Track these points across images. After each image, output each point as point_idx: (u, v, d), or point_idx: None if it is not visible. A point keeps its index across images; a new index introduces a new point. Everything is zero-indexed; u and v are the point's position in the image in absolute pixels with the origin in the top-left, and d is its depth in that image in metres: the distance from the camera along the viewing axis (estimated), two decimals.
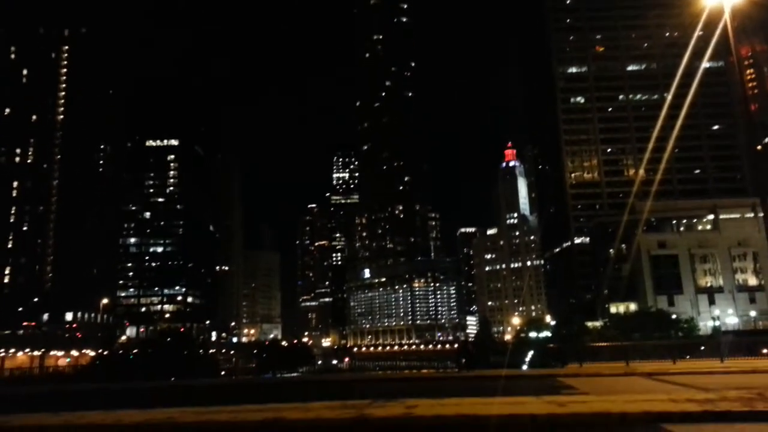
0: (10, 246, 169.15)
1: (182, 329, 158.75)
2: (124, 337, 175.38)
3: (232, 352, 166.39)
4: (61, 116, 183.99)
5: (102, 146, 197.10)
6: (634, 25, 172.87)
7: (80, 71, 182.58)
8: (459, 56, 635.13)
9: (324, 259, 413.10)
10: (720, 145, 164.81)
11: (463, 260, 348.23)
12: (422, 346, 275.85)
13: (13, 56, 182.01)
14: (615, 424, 13.98)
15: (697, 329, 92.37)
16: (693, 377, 25.33)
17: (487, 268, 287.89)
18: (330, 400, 18.31)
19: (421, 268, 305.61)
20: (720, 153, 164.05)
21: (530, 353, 53.79)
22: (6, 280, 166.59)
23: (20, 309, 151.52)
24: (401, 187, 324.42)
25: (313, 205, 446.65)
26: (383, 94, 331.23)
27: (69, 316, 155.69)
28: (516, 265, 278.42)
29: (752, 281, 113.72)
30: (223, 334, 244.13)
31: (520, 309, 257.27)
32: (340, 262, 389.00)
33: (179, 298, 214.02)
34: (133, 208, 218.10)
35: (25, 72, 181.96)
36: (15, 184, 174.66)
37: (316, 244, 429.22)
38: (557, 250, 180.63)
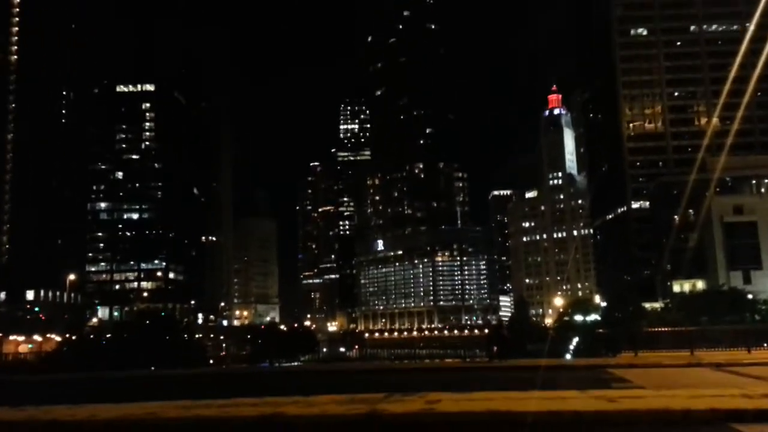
0: None
1: (163, 310, 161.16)
2: (95, 320, 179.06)
3: (221, 337, 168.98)
4: (15, 56, 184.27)
5: (64, 92, 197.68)
6: None
7: (37, 2, 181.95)
8: None
9: (329, 228, 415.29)
10: None
11: (496, 229, 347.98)
12: (446, 332, 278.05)
13: None
14: (676, 423, 14.05)
15: None
16: None
17: (524, 239, 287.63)
18: (337, 394, 18.58)
19: (445, 239, 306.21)
20: None
21: (575, 340, 53.94)
22: None
23: None
24: (422, 141, 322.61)
25: (317, 164, 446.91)
26: (400, 27, 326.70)
27: (30, 295, 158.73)
28: (560, 234, 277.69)
29: None
30: (212, 317, 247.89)
31: (564, 287, 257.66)
32: (348, 232, 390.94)
33: (159, 273, 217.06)
34: (103, 167, 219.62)
35: None
36: None
37: (320, 210, 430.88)
38: (610, 216, 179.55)
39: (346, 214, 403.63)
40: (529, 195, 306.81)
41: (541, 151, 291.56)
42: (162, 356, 53.16)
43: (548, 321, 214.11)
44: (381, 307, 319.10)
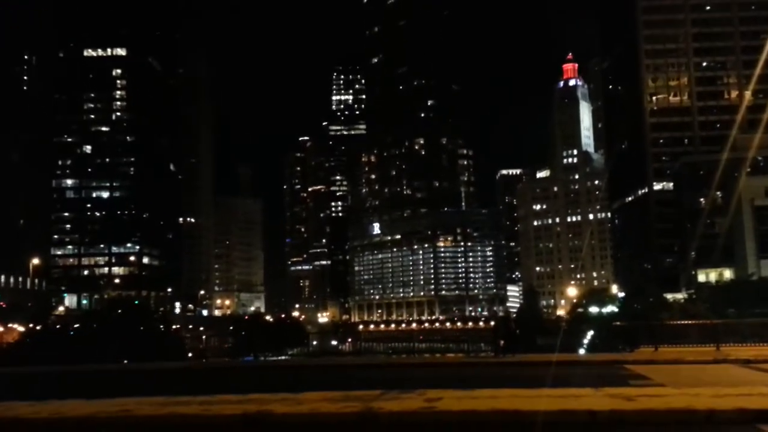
0: None
1: (136, 299, 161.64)
2: (61, 308, 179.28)
3: (201, 328, 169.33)
4: None
5: (26, 57, 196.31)
6: None
7: None
8: None
9: (320, 209, 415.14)
10: None
11: (504, 212, 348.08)
12: (448, 324, 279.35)
13: None
14: (699, 424, 14.15)
15: None
16: None
17: (535, 223, 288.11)
18: (328, 390, 18.68)
19: (447, 222, 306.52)
20: None
21: (590, 333, 54.35)
22: None
23: None
24: (422, 114, 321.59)
25: (306, 138, 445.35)
26: None
27: None
28: (574, 218, 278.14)
29: None
30: (190, 306, 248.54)
31: (578, 276, 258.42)
32: (341, 214, 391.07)
33: (132, 258, 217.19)
34: (69, 139, 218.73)
35: None
36: None
37: (310, 189, 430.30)
38: (629, 198, 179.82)
39: (338, 194, 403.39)
40: (540, 174, 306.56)
41: (555, 127, 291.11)
42: (135, 349, 53.29)
43: (560, 313, 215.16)
44: (377, 297, 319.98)
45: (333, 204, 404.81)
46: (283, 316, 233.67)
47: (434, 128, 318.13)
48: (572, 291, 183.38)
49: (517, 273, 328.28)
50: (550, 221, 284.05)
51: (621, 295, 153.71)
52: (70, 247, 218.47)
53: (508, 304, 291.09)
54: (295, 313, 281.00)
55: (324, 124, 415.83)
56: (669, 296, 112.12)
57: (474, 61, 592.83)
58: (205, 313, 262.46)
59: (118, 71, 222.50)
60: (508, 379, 24.70)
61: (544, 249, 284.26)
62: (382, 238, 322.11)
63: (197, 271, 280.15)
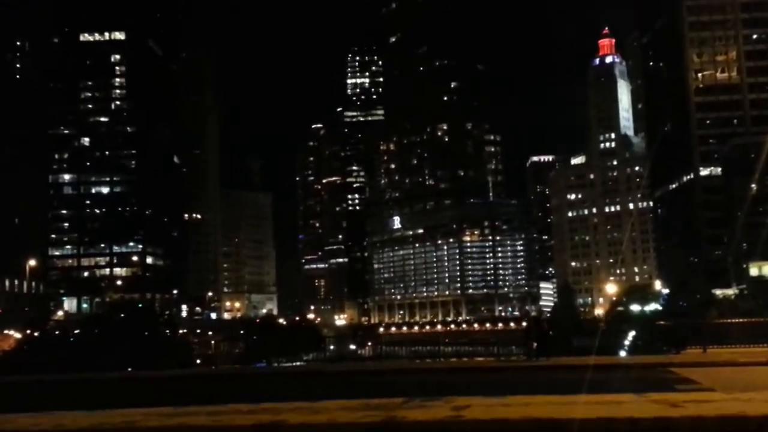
0: None
1: (140, 301, 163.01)
2: (60, 312, 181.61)
3: (210, 332, 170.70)
4: None
5: (18, 43, 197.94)
6: None
7: None
8: None
9: (336, 202, 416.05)
10: None
11: (536, 203, 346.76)
12: (476, 325, 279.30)
13: None
14: None
15: None
16: None
17: (570, 214, 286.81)
18: (347, 398, 18.74)
19: (474, 215, 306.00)
20: None
21: (631, 334, 54.09)
22: None
23: None
24: (445, 98, 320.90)
25: (319, 126, 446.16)
26: None
27: None
28: (612, 208, 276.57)
29: None
30: (197, 309, 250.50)
31: (618, 272, 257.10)
32: (358, 207, 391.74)
33: (135, 258, 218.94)
34: (66, 131, 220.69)
35: None
36: None
37: (324, 181, 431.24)
38: (673, 186, 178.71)
39: (355, 185, 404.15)
40: (575, 161, 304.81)
41: (590, 108, 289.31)
42: (140, 355, 53.85)
43: (599, 311, 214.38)
44: (398, 297, 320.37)
45: (349, 197, 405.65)
46: (297, 318, 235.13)
47: (458, 112, 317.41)
48: (611, 288, 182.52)
49: (550, 269, 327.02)
50: (586, 212, 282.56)
51: (665, 291, 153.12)
52: (68, 247, 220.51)
53: (541, 303, 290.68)
54: (311, 316, 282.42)
55: (338, 110, 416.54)
56: (718, 292, 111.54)
57: (501, 38, 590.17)
58: (213, 316, 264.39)
59: (117, 57, 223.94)
60: (541, 384, 24.68)
61: (580, 242, 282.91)
62: (403, 233, 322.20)
63: (204, 272, 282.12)
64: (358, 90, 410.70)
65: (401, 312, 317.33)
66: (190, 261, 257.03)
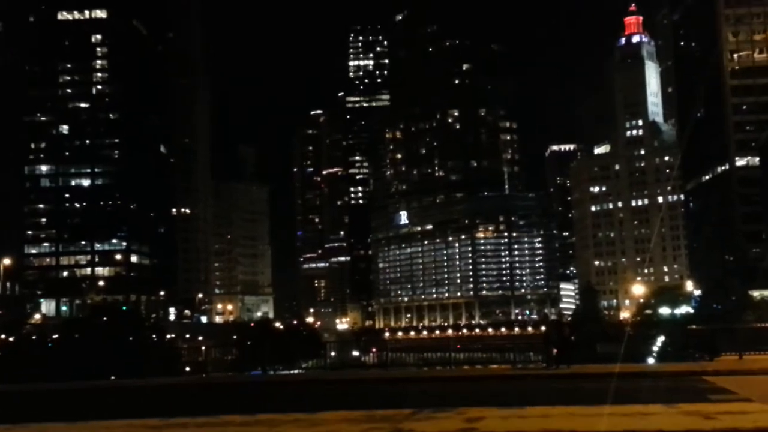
0: None
1: (124, 304, 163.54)
2: (37, 316, 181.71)
3: (200, 338, 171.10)
4: None
5: None
6: None
7: None
8: None
9: (337, 195, 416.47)
10: None
11: (556, 196, 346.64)
12: (490, 330, 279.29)
13: None
14: None
15: None
16: None
17: (593, 208, 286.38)
18: (350, 409, 18.79)
19: (488, 209, 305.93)
20: None
21: (661, 339, 54.02)
22: None
23: None
24: (456, 81, 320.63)
25: (319, 112, 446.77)
26: None
27: None
28: (640, 202, 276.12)
29: None
30: (186, 312, 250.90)
31: (646, 271, 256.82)
32: (361, 201, 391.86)
33: (118, 256, 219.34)
34: (43, 118, 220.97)
35: None
36: None
37: (325, 172, 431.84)
38: (707, 177, 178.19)
39: (358, 177, 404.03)
40: (598, 150, 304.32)
41: (615, 93, 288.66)
42: (124, 362, 54.03)
43: (625, 315, 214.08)
44: (405, 299, 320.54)
45: (352, 189, 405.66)
46: (295, 322, 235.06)
47: (471, 97, 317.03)
48: (638, 289, 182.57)
49: (571, 268, 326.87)
50: (610, 206, 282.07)
51: (697, 293, 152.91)
52: (46, 244, 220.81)
53: (562, 306, 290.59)
54: (310, 319, 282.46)
55: (340, 95, 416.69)
56: (755, 294, 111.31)
57: (518, 15, 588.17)
58: (204, 319, 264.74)
59: (98, 37, 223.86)
60: (562, 394, 24.69)
61: (604, 239, 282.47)
62: (411, 229, 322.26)
63: (194, 271, 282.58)
64: (361, 73, 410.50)
65: (408, 315, 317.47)
66: (179, 260, 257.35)
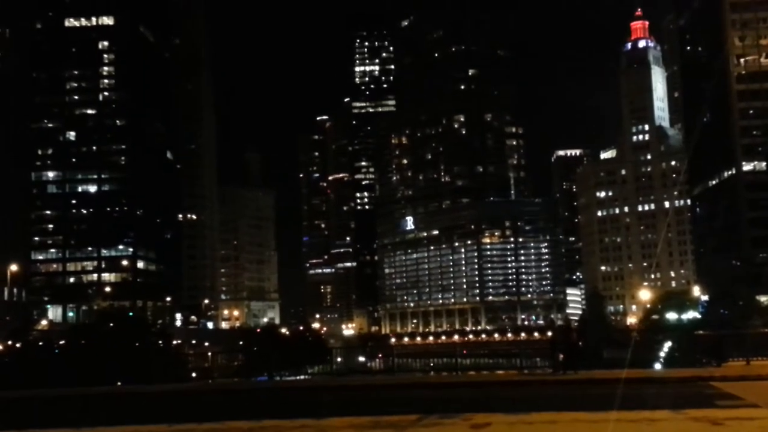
0: None
1: (131, 310, 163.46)
2: (44, 322, 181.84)
3: (206, 343, 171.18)
4: None
5: None
6: None
7: None
8: None
9: (343, 201, 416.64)
10: None
11: (562, 201, 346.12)
12: (497, 335, 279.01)
13: None
14: None
15: None
16: None
17: (599, 213, 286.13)
18: (356, 415, 18.79)
19: (494, 214, 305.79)
20: None
21: (667, 345, 53.95)
22: None
23: None
24: (462, 86, 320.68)
25: (325, 118, 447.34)
26: None
27: None
28: (646, 207, 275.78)
29: None
30: (193, 317, 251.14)
31: (652, 277, 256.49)
32: (367, 207, 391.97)
33: (125, 262, 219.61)
34: (50, 125, 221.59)
35: None
36: None
37: (331, 178, 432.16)
38: (713, 182, 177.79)
39: (364, 183, 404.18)
40: (604, 155, 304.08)
41: (621, 98, 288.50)
42: (131, 368, 54.10)
43: (631, 320, 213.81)
44: (411, 305, 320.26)
45: (358, 195, 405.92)
46: (301, 328, 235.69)
47: (477, 102, 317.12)
48: (645, 294, 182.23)
49: (578, 274, 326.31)
50: (617, 211, 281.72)
51: (704, 298, 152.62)
52: (53, 250, 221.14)
53: (568, 311, 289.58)
54: (316, 325, 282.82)
55: (346, 100, 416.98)
56: (763, 299, 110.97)
57: (523, 21, 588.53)
58: (210, 325, 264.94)
59: (105, 44, 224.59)
60: (568, 400, 24.65)
61: (611, 244, 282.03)
62: (417, 235, 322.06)
63: (200, 277, 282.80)
64: (366, 78, 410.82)
65: (415, 321, 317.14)
66: (185, 266, 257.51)
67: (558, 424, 16.26)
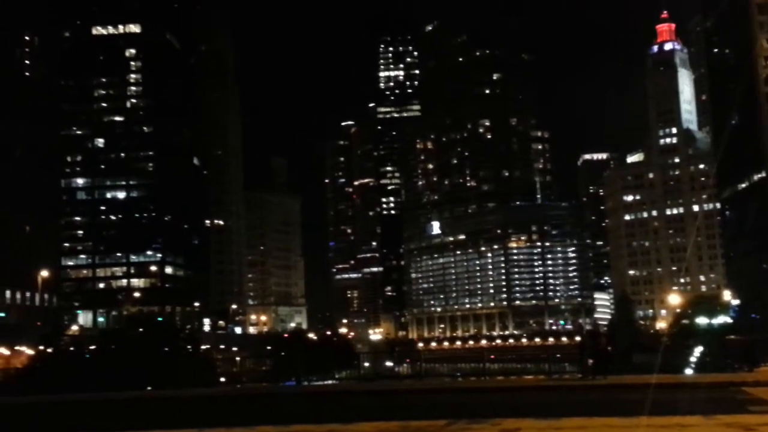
0: None
1: (159, 315, 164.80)
2: (75, 327, 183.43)
3: (234, 348, 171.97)
4: None
5: (26, 37, 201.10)
6: None
7: None
8: None
9: (369, 206, 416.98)
10: None
11: (589, 205, 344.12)
12: (524, 340, 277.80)
13: None
14: None
15: None
16: None
17: (627, 217, 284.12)
18: (384, 420, 18.76)
19: (521, 219, 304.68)
20: None
21: (698, 350, 53.53)
22: None
23: None
24: (487, 91, 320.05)
25: (350, 123, 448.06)
26: None
27: None
28: (675, 211, 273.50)
29: None
30: (221, 323, 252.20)
31: (682, 281, 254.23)
32: (393, 212, 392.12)
33: (153, 268, 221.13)
34: (79, 132, 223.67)
35: None
36: None
37: (356, 183, 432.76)
38: (743, 185, 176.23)
39: (390, 187, 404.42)
40: (631, 159, 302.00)
41: (648, 101, 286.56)
42: (160, 373, 54.46)
43: (661, 325, 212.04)
44: (438, 309, 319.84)
45: (384, 200, 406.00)
46: (328, 333, 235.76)
47: (502, 107, 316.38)
48: (675, 299, 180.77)
49: (606, 278, 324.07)
50: (645, 215, 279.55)
51: (735, 302, 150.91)
52: (82, 256, 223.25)
53: (597, 316, 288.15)
54: (343, 330, 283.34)
55: (371, 105, 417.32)
56: None
57: (548, 24, 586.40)
58: (238, 330, 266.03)
59: (132, 51, 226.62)
60: (598, 405, 24.50)
61: (639, 249, 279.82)
62: (443, 240, 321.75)
63: (228, 283, 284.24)
64: (391, 83, 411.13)
65: (442, 326, 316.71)
66: (213, 271, 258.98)
67: (588, 430, 16.14)
